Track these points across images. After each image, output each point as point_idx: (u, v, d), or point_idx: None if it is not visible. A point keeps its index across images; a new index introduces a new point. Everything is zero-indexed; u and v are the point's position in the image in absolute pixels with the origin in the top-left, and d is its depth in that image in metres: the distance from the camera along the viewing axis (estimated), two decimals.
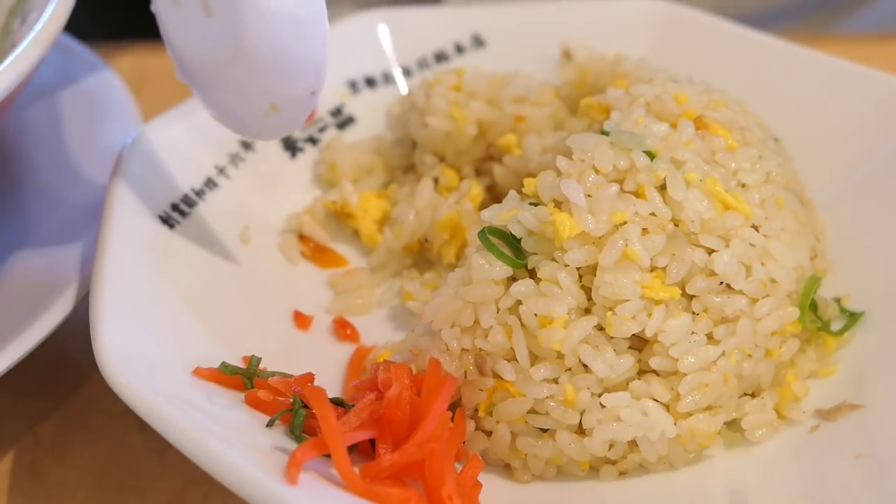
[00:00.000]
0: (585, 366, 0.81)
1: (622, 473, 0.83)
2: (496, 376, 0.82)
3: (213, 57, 0.82)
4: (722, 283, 0.83)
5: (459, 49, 1.16)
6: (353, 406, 0.79)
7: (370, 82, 1.13)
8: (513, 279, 0.83)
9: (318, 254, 1.04)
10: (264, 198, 1.04)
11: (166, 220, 0.93)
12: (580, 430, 0.82)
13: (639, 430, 0.80)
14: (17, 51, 0.82)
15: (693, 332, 0.82)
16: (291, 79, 0.82)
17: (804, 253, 0.90)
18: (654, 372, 0.82)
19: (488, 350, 0.82)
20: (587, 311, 0.82)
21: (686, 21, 1.15)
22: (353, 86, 1.13)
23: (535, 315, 0.80)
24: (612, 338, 0.81)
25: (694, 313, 0.82)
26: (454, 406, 0.83)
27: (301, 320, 0.96)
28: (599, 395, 0.81)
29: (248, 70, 0.81)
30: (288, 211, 1.05)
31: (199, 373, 0.81)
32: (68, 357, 0.98)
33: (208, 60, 0.83)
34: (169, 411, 0.73)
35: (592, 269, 0.82)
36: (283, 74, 0.82)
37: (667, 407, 0.81)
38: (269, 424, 0.78)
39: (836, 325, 0.91)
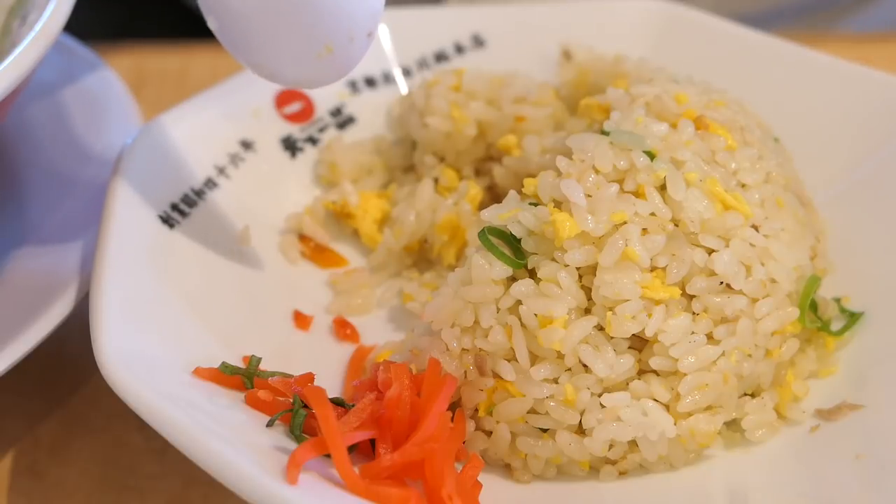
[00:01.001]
0: (585, 366, 0.81)
1: (622, 473, 0.83)
2: (496, 376, 0.82)
3: None
4: (722, 283, 0.83)
5: (459, 49, 1.16)
6: (353, 406, 0.80)
7: (370, 82, 1.13)
8: (513, 279, 0.83)
9: (318, 254, 1.04)
10: (264, 198, 1.04)
11: (166, 220, 0.93)
12: (580, 430, 0.82)
13: (639, 430, 0.80)
14: (17, 51, 0.82)
15: (693, 332, 0.82)
16: (349, 18, 0.80)
17: (804, 253, 0.90)
18: (654, 372, 0.82)
19: (488, 350, 0.82)
20: (587, 311, 0.82)
21: (686, 21, 1.15)
22: (353, 86, 1.12)
23: (535, 315, 0.80)
24: (612, 338, 0.81)
25: (694, 313, 0.82)
26: (454, 406, 0.83)
27: (301, 320, 0.96)
28: (599, 395, 0.81)
29: (303, 9, 0.78)
30: (288, 211, 1.05)
31: (199, 373, 0.81)
32: (68, 357, 0.98)
33: (256, 2, 0.79)
34: (169, 411, 0.73)
35: (592, 269, 0.82)
36: (342, 14, 0.79)
37: (667, 407, 0.81)
38: (269, 424, 0.78)
39: (836, 325, 0.91)
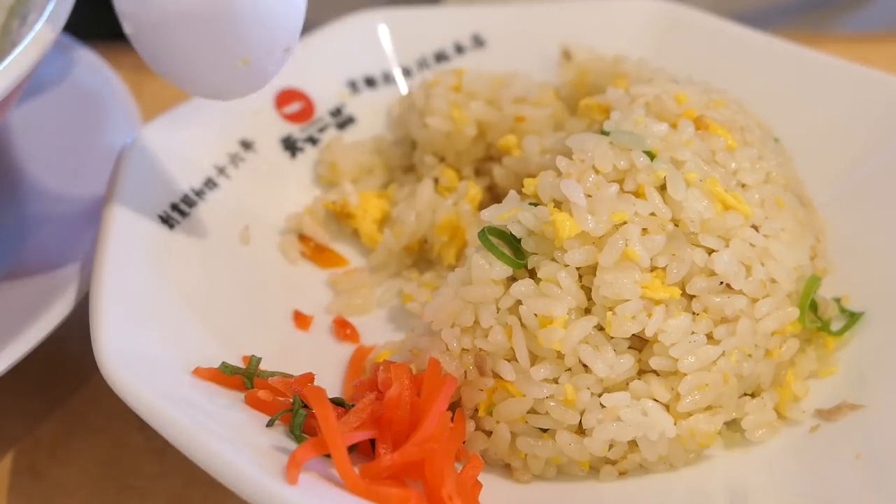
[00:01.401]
0: (585, 366, 0.81)
1: (622, 473, 0.83)
2: (496, 376, 0.82)
3: (183, 7, 0.78)
4: (722, 283, 0.83)
5: (459, 49, 1.16)
6: (353, 406, 0.80)
7: (370, 82, 1.13)
8: (513, 279, 0.83)
9: (318, 254, 1.04)
10: (264, 198, 1.04)
11: (166, 220, 0.93)
12: (580, 430, 0.82)
13: (639, 430, 0.80)
14: (17, 51, 0.82)
15: (693, 332, 0.82)
16: (269, 32, 0.80)
17: (804, 253, 0.90)
18: (654, 372, 0.82)
19: (488, 350, 0.82)
20: (587, 311, 0.82)
21: (686, 21, 1.15)
22: (353, 86, 1.12)
23: (535, 315, 0.80)
24: (612, 338, 0.81)
25: (694, 313, 0.82)
26: (454, 406, 0.83)
27: (301, 320, 0.96)
28: (599, 395, 0.81)
29: (224, 20, 0.78)
30: (288, 211, 1.05)
31: (199, 373, 0.81)
32: (68, 357, 0.98)
33: (176, 11, 0.79)
34: (169, 411, 0.73)
35: (592, 269, 0.82)
36: (261, 27, 0.79)
37: (667, 407, 0.81)
38: (269, 424, 0.78)
39: (836, 325, 0.91)
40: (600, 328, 0.81)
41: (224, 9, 0.78)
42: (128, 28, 0.83)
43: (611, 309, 0.81)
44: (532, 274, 0.83)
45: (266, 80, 0.84)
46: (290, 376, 0.83)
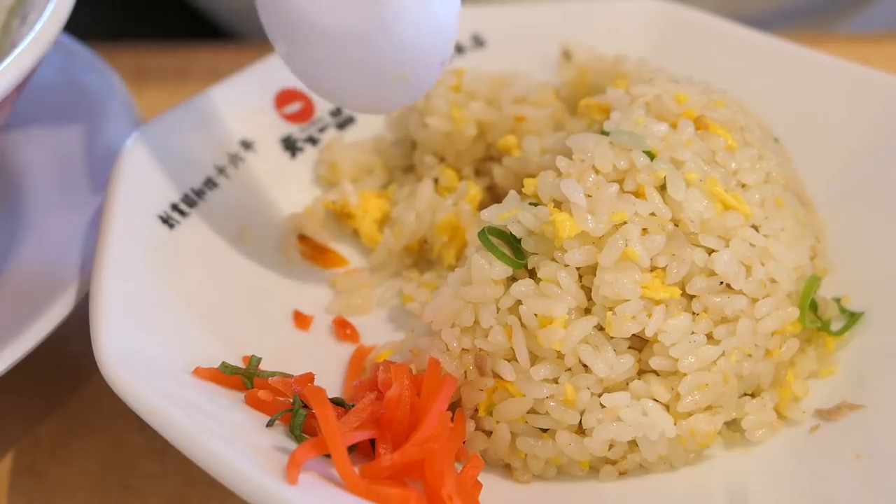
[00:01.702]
0: (585, 366, 0.81)
1: (622, 473, 0.83)
2: (496, 376, 0.82)
3: (342, 25, 0.78)
4: (722, 283, 0.83)
5: (459, 49, 1.16)
6: (353, 406, 0.80)
7: None
8: (513, 279, 0.83)
9: (318, 254, 1.04)
10: (264, 198, 1.04)
11: (166, 220, 0.93)
12: (580, 430, 0.82)
13: (639, 430, 0.80)
14: (17, 51, 0.82)
15: (693, 332, 0.82)
16: (427, 45, 0.80)
17: (804, 253, 0.90)
18: (654, 372, 0.82)
19: (488, 350, 0.82)
20: (587, 311, 0.82)
21: (686, 21, 1.15)
22: None
23: (535, 315, 0.80)
24: (612, 338, 0.81)
25: (694, 313, 0.82)
26: (454, 406, 0.83)
27: (301, 320, 0.96)
28: (599, 395, 0.81)
29: (387, 40, 0.78)
30: (288, 211, 1.05)
31: (199, 373, 0.81)
32: (68, 357, 0.98)
33: (334, 29, 0.78)
34: (169, 411, 0.73)
35: (592, 269, 0.82)
36: (421, 41, 0.79)
37: (667, 407, 0.82)
38: (269, 424, 0.79)
39: (836, 325, 0.91)
40: (600, 328, 0.81)
41: (384, 24, 0.77)
42: (281, 48, 0.82)
43: (611, 309, 0.81)
44: (532, 274, 0.83)
45: (423, 92, 0.85)
46: (290, 376, 0.83)
